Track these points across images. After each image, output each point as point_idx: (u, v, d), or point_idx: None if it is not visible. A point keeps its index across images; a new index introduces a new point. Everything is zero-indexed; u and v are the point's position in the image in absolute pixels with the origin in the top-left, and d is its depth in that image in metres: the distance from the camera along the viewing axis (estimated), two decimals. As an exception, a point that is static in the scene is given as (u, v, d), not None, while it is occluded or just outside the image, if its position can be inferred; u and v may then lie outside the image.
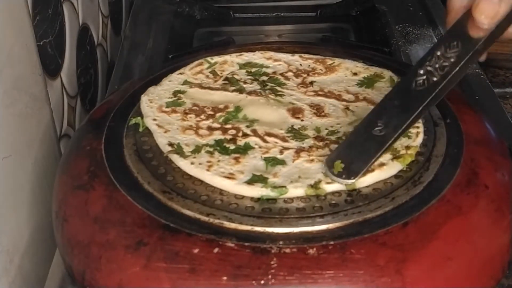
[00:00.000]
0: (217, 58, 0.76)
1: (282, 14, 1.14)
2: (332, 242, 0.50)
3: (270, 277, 0.49)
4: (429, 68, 0.57)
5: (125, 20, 1.15)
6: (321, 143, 0.61)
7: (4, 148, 0.61)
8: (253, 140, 0.61)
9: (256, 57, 0.76)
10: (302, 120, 0.65)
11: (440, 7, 1.10)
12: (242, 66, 0.75)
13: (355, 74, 0.72)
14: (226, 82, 0.72)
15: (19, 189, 0.65)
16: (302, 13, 1.13)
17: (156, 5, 1.14)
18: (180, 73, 0.73)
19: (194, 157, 0.59)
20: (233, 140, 0.62)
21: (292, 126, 0.64)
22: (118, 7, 1.12)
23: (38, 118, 0.70)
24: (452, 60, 0.57)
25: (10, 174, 0.62)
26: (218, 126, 0.64)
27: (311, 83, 0.71)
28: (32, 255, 0.66)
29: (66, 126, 0.79)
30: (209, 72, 0.74)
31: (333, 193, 0.55)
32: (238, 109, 0.66)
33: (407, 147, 0.59)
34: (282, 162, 0.58)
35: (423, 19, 1.06)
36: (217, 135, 0.62)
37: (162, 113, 0.66)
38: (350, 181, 0.55)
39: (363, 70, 0.73)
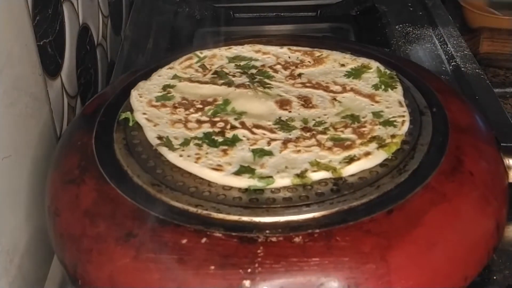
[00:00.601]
0: (206, 52, 0.76)
1: (282, 14, 1.14)
2: (317, 230, 0.51)
3: (256, 265, 0.50)
4: None
5: (125, 20, 1.15)
6: (308, 134, 0.62)
7: (4, 148, 0.61)
8: (241, 132, 0.62)
9: (245, 50, 0.77)
10: (289, 111, 0.66)
11: (440, 7, 1.10)
12: (231, 59, 0.76)
13: (342, 65, 0.73)
14: (215, 75, 0.73)
15: (19, 189, 0.65)
16: (302, 13, 1.14)
17: (156, 5, 1.14)
18: (170, 68, 0.74)
19: (183, 150, 0.60)
20: (222, 132, 0.62)
21: (280, 117, 0.64)
22: (118, 7, 1.12)
23: (38, 118, 0.71)
24: None
25: (10, 174, 0.63)
26: (207, 119, 0.65)
27: (299, 75, 0.72)
28: (32, 255, 0.66)
29: (66, 126, 0.79)
30: (198, 66, 0.74)
31: (319, 182, 0.56)
32: (226, 102, 0.67)
33: (393, 136, 0.60)
34: (269, 153, 0.59)
35: (423, 19, 1.06)
36: (206, 128, 0.63)
37: (152, 107, 0.66)
38: None
39: (351, 61, 0.73)
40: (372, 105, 0.65)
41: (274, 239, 0.51)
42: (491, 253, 0.57)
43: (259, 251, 0.50)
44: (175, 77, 0.72)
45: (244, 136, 0.62)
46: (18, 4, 0.66)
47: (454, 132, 0.62)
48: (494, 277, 0.58)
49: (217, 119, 0.64)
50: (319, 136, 0.61)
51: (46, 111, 0.73)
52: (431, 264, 0.52)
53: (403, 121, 0.62)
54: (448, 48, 0.96)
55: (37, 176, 0.69)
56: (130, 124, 0.65)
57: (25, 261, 0.64)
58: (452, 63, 0.93)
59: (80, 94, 0.87)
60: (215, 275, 0.50)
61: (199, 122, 0.64)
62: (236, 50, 0.77)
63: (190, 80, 0.72)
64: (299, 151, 0.59)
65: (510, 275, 0.58)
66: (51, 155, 0.72)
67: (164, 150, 0.60)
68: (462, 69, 0.91)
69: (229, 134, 0.62)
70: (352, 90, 0.68)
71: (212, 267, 0.50)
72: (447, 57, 0.94)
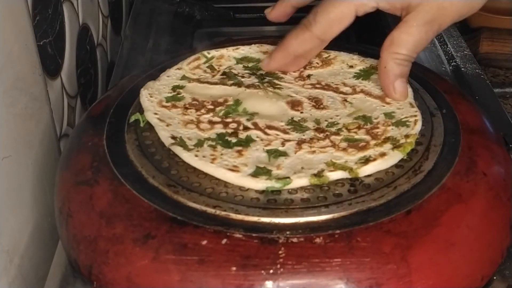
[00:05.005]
0: (213, 52, 0.76)
1: (282, 14, 1.14)
2: (338, 231, 0.51)
3: (278, 266, 0.50)
4: None
5: (125, 20, 1.15)
6: (321, 135, 0.62)
7: (4, 148, 0.61)
8: (254, 133, 0.62)
9: (253, 50, 0.77)
10: (301, 112, 0.66)
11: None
12: (238, 60, 0.76)
13: (351, 66, 0.73)
14: (224, 76, 0.73)
15: (19, 189, 0.64)
16: (302, 13, 1.13)
17: (156, 5, 1.14)
18: (178, 68, 0.73)
19: (198, 150, 0.59)
20: (235, 133, 0.62)
21: (292, 118, 0.65)
22: (118, 7, 1.11)
23: (38, 118, 0.70)
24: None
25: (10, 174, 0.62)
26: (219, 120, 0.64)
27: (308, 76, 0.72)
28: (32, 255, 0.66)
29: (66, 126, 0.79)
30: (207, 67, 0.74)
31: (336, 183, 0.56)
32: (237, 102, 0.67)
33: (406, 136, 0.60)
34: (284, 154, 0.59)
35: (423, 19, 1.06)
36: (218, 128, 0.63)
37: (162, 107, 0.66)
38: None
39: (359, 62, 0.74)
40: (383, 106, 0.66)
41: (295, 240, 0.51)
42: (504, 253, 0.57)
43: (280, 252, 0.50)
44: (184, 77, 0.72)
45: (257, 137, 0.62)
46: (18, 4, 0.66)
47: (465, 133, 0.63)
48: (494, 277, 0.58)
49: (229, 120, 0.64)
50: (333, 137, 0.61)
51: (46, 111, 0.73)
52: (450, 264, 0.52)
53: (416, 121, 0.62)
54: (448, 48, 0.96)
55: (37, 176, 0.68)
56: (141, 124, 0.65)
57: (25, 261, 0.64)
58: (452, 63, 0.93)
59: (80, 94, 0.86)
60: (236, 276, 0.50)
61: (211, 123, 0.64)
62: (243, 50, 0.77)
63: (199, 80, 0.72)
64: (314, 151, 0.59)
65: (510, 275, 0.58)
66: (52, 155, 0.72)
67: (178, 150, 0.59)
68: (462, 69, 0.91)
69: (242, 135, 0.62)
70: (362, 91, 0.69)
71: (234, 268, 0.50)
72: (447, 57, 0.95)
